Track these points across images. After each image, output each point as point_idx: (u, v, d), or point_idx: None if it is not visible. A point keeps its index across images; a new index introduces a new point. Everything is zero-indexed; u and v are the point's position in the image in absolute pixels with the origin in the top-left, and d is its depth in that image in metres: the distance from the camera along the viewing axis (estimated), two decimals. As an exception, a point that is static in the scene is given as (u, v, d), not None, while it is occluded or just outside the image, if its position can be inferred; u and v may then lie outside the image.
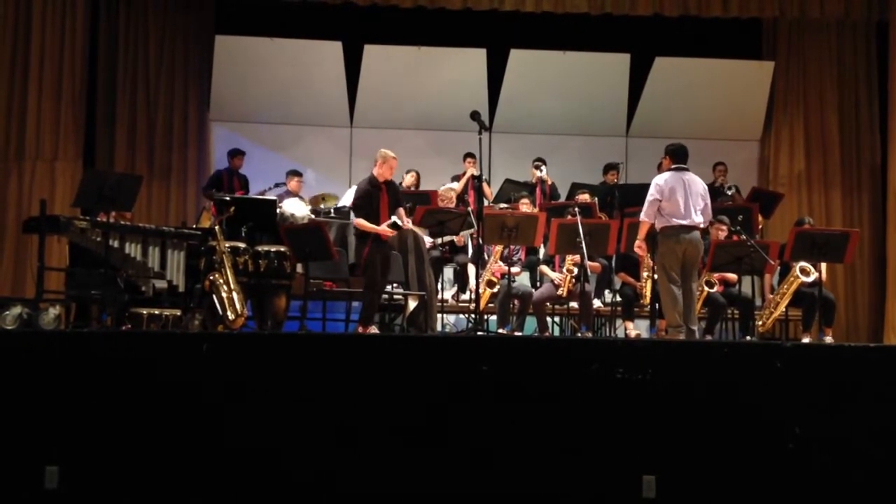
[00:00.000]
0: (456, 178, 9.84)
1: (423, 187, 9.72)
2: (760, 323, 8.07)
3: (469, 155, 9.69)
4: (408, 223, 7.28)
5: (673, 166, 6.82)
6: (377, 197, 7.07)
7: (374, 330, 7.01)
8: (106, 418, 4.90)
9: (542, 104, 10.93)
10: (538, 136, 10.94)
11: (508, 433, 5.03)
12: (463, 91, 10.35)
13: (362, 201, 7.06)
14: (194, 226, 8.44)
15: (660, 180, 6.74)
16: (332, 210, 8.86)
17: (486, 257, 8.02)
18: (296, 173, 9.56)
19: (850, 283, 10.70)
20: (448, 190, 8.81)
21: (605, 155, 10.63)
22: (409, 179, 9.82)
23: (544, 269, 8.10)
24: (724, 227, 7.80)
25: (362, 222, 7.01)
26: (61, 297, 7.22)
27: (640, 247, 7.04)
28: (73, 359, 4.96)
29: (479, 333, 6.81)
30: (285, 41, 10.55)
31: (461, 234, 8.41)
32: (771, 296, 8.14)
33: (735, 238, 7.59)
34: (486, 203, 9.04)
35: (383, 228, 6.97)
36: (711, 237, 7.69)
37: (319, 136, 11.06)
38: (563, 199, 9.66)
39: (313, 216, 8.22)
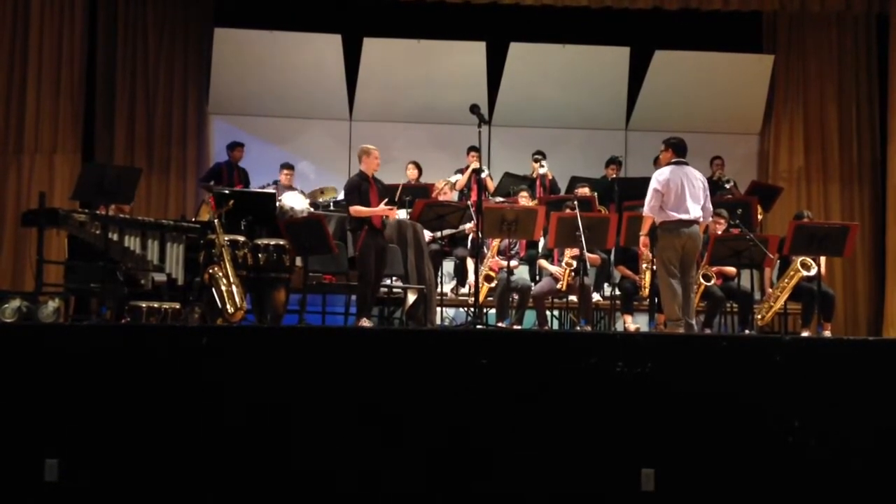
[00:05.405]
0: (460, 172, 9.81)
1: (422, 180, 9.70)
2: (759, 317, 8.07)
3: (472, 148, 9.65)
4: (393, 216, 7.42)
5: (673, 160, 6.81)
6: (367, 190, 7.14)
7: (366, 322, 6.99)
8: (105, 411, 4.91)
9: (541, 97, 10.91)
10: (538, 130, 10.91)
11: (507, 426, 5.03)
12: (462, 84, 10.34)
13: (354, 192, 7.12)
14: (193, 219, 8.44)
15: (661, 175, 6.73)
16: (331, 203, 8.84)
17: (486, 251, 8.01)
18: (286, 166, 9.57)
19: (848, 277, 10.70)
20: (443, 182, 8.79)
21: (604, 148, 10.61)
22: (411, 173, 9.78)
23: (543, 262, 8.09)
24: (723, 221, 7.79)
25: (359, 208, 7.05)
26: (60, 291, 7.20)
27: (644, 244, 7.01)
28: (72, 352, 4.96)
29: (479, 327, 6.81)
30: (284, 34, 10.53)
31: (467, 225, 8.41)
32: (771, 290, 8.14)
33: (734, 231, 7.59)
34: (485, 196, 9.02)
35: (381, 209, 7.06)
36: (710, 230, 7.68)
37: (318, 129, 11.03)
38: (562, 192, 9.65)
39: (312, 210, 8.21)
